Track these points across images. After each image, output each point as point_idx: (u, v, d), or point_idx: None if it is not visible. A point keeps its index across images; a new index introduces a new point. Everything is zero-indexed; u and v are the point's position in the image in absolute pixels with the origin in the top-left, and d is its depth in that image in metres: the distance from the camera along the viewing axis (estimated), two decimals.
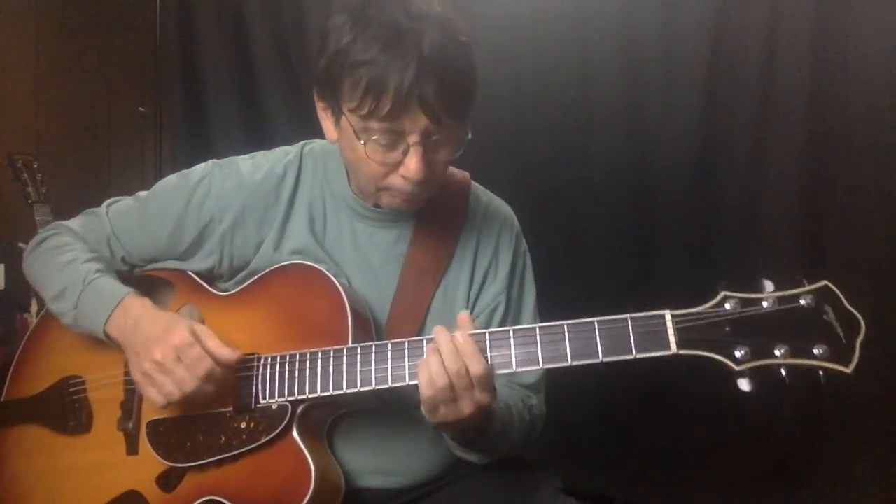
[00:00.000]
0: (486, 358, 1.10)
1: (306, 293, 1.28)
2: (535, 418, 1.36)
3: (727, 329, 1.03)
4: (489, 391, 1.11)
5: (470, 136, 1.21)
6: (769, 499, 2.52)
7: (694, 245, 2.66)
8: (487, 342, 1.12)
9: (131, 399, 1.35)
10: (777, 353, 1.01)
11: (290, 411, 1.22)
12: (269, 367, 1.24)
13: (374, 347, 1.18)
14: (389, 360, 1.17)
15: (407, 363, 1.16)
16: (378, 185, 1.24)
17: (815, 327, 1.01)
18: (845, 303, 1.01)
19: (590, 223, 2.77)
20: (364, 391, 1.17)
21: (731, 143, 2.60)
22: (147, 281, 1.41)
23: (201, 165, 1.42)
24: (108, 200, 1.47)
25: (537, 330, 1.11)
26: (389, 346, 1.17)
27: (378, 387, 1.17)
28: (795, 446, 2.56)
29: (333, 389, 1.19)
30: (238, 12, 3.16)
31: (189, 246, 1.38)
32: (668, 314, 1.06)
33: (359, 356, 1.18)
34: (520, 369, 1.11)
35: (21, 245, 1.49)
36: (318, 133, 1.32)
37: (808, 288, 1.03)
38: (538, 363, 1.10)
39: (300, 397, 1.21)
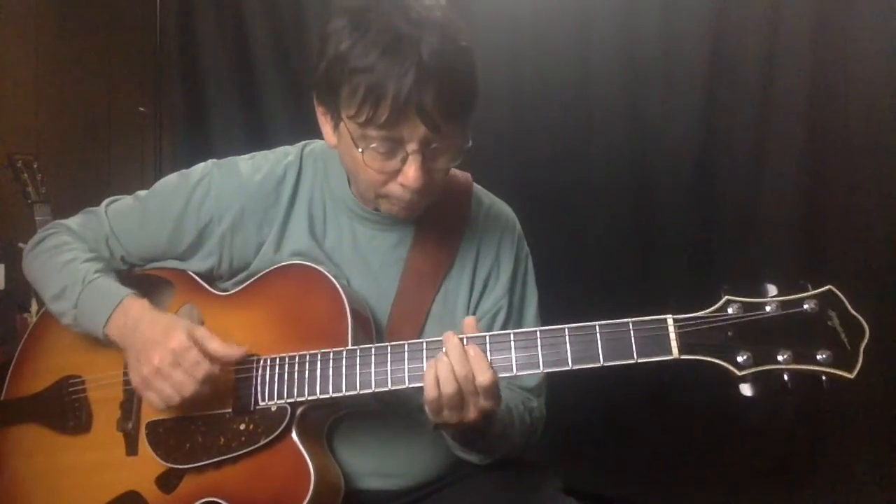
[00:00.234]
0: (488, 362, 1.10)
1: (306, 294, 1.28)
2: (536, 420, 1.36)
3: (729, 334, 1.03)
4: (494, 398, 1.11)
5: (471, 143, 1.20)
6: (769, 499, 2.52)
7: (694, 245, 2.66)
8: (488, 345, 1.12)
9: (131, 399, 1.35)
10: (780, 358, 1.01)
11: (289, 413, 1.21)
12: (268, 368, 1.24)
13: (373, 350, 1.18)
14: (389, 363, 1.16)
15: (407, 366, 1.15)
16: (377, 193, 1.24)
17: (819, 332, 1.00)
18: (849, 308, 1.01)
19: (590, 223, 2.76)
20: (363, 394, 1.17)
21: (731, 143, 2.59)
22: (146, 280, 1.41)
23: (201, 165, 1.41)
24: (108, 199, 1.47)
25: (538, 333, 1.11)
26: (389, 348, 1.17)
27: (378, 389, 1.16)
28: (795, 446, 2.56)
29: (333, 392, 1.19)
30: (238, 12, 3.16)
31: (188, 246, 1.38)
32: (670, 319, 1.05)
33: (358, 358, 1.18)
34: (520, 373, 1.11)
35: (21, 245, 1.49)
36: (318, 133, 1.31)
37: (811, 292, 1.02)
38: (539, 367, 1.10)
39: (299, 399, 1.21)
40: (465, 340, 1.12)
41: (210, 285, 1.40)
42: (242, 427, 1.24)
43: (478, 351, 1.10)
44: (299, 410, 1.22)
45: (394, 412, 1.30)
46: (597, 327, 1.08)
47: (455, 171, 1.38)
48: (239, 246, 1.36)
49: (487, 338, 1.13)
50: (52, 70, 3.22)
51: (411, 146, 1.15)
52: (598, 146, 2.73)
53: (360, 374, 1.18)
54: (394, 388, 1.16)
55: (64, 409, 1.40)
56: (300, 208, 1.36)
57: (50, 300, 1.38)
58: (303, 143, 1.43)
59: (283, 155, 1.40)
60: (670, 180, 2.66)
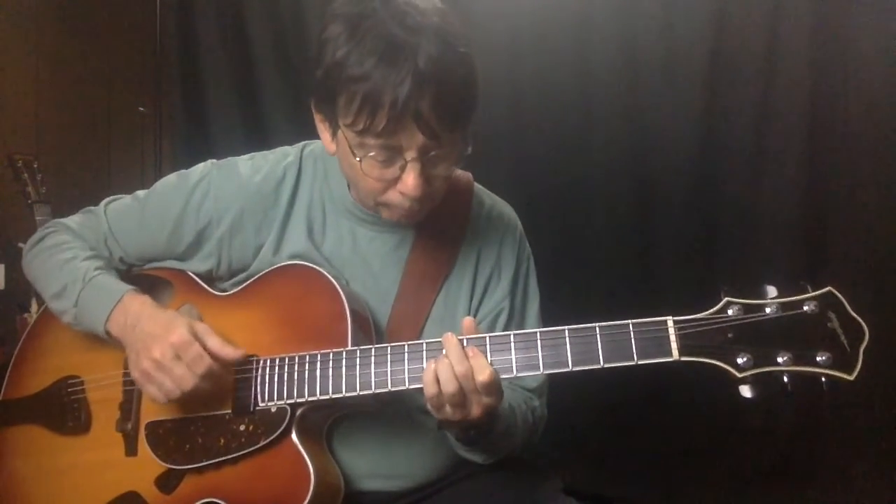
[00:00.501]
0: (489, 363, 1.10)
1: (306, 294, 1.28)
2: (538, 420, 1.36)
3: (729, 335, 1.03)
4: (496, 395, 1.11)
5: (471, 150, 1.19)
6: (769, 499, 2.53)
7: (693, 244, 2.66)
8: (488, 346, 1.12)
9: (130, 400, 1.35)
10: (780, 360, 1.00)
11: (289, 414, 1.21)
12: (268, 369, 1.24)
13: (373, 350, 1.18)
14: (389, 364, 1.16)
15: (407, 367, 1.15)
16: (376, 201, 1.23)
17: (819, 334, 1.00)
18: (849, 309, 1.00)
19: (589, 223, 2.76)
20: (363, 395, 1.17)
21: (731, 143, 2.60)
22: (146, 280, 1.41)
23: (200, 166, 1.41)
24: (107, 199, 1.46)
25: (538, 335, 1.11)
26: (389, 349, 1.17)
27: (378, 390, 1.16)
28: (795, 446, 2.56)
29: (333, 393, 1.19)
30: (238, 12, 3.16)
31: (187, 247, 1.38)
32: (670, 320, 1.05)
33: (358, 359, 1.18)
34: (520, 374, 1.11)
35: (21, 245, 1.48)
36: (317, 134, 1.30)
37: (811, 294, 1.02)
38: (539, 368, 1.10)
39: (299, 400, 1.21)
40: (464, 341, 1.12)
41: (209, 286, 1.39)
42: (242, 428, 1.24)
43: (476, 350, 1.10)
44: (299, 411, 1.22)
45: (394, 413, 1.30)
46: (597, 328, 1.08)
47: (456, 172, 1.37)
48: (238, 248, 1.36)
49: (487, 338, 1.13)
50: (52, 70, 3.23)
51: (410, 154, 1.14)
52: (598, 146, 2.73)
53: (360, 374, 1.17)
54: (394, 389, 1.16)
55: (63, 409, 1.40)
56: (299, 210, 1.35)
57: (50, 299, 1.38)
58: (302, 143, 1.42)
59: (283, 156, 1.39)
60: (670, 180, 2.67)
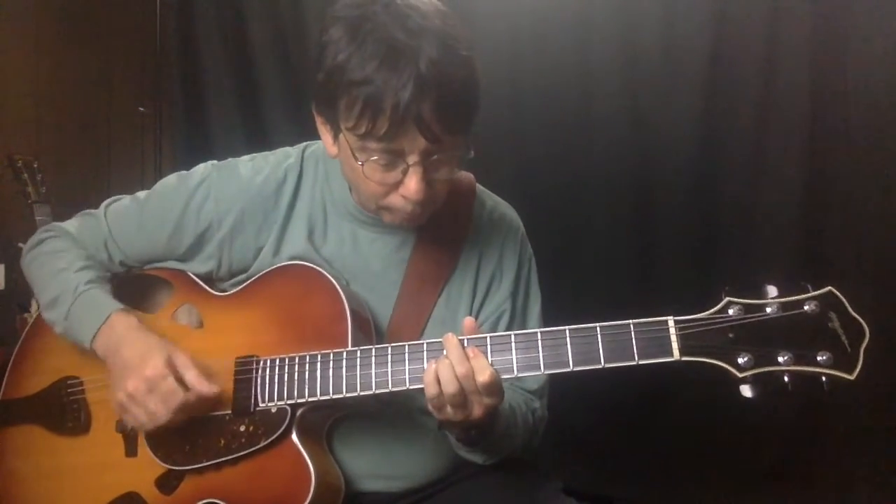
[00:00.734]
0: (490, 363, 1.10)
1: (306, 294, 1.28)
2: (538, 421, 1.36)
3: (730, 335, 1.03)
4: (497, 395, 1.11)
5: (473, 153, 1.18)
6: (769, 499, 2.53)
7: (694, 244, 2.67)
8: (489, 346, 1.12)
9: None
10: (780, 359, 1.00)
11: (289, 414, 1.21)
12: (268, 370, 1.24)
13: (373, 351, 1.18)
14: (389, 364, 1.16)
15: (407, 367, 1.15)
16: (378, 204, 1.22)
17: (820, 334, 1.00)
18: (850, 309, 1.00)
19: (590, 223, 2.77)
20: (364, 395, 1.17)
21: (731, 143, 2.60)
22: (146, 280, 1.41)
23: (200, 167, 1.40)
24: (107, 200, 1.46)
25: (539, 335, 1.11)
26: (390, 349, 1.17)
27: (378, 391, 1.16)
28: (795, 446, 2.56)
29: (333, 393, 1.18)
30: (238, 12, 3.16)
31: (187, 249, 1.37)
32: (671, 320, 1.05)
33: (359, 359, 1.18)
34: (521, 374, 1.11)
35: (21, 245, 1.48)
36: (318, 134, 1.29)
37: (812, 294, 1.02)
38: (540, 368, 1.10)
39: (300, 401, 1.21)
40: (465, 342, 1.12)
41: (209, 286, 1.39)
42: (242, 428, 1.24)
43: (477, 350, 1.10)
44: (299, 412, 1.22)
45: (394, 413, 1.30)
46: (598, 328, 1.08)
47: (459, 173, 1.37)
48: (238, 249, 1.35)
49: (488, 339, 1.13)
50: (52, 70, 3.22)
51: (412, 158, 1.13)
52: (598, 146, 2.73)
53: (360, 375, 1.17)
54: (394, 389, 1.15)
55: (62, 409, 1.40)
56: (300, 212, 1.35)
57: (43, 308, 1.38)
58: (304, 144, 1.42)
59: (284, 157, 1.39)
60: (670, 180, 2.67)
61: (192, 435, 1.26)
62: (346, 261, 1.34)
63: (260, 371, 1.24)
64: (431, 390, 1.10)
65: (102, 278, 1.39)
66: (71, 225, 1.45)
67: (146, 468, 1.30)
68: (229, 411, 1.25)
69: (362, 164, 1.15)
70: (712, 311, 1.04)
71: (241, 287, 1.35)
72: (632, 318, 1.07)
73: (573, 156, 2.75)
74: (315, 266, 1.29)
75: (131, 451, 1.33)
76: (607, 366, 1.07)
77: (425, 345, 1.16)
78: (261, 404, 1.23)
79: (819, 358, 0.99)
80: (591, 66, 2.73)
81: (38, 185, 2.53)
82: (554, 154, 2.77)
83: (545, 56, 2.75)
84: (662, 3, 2.63)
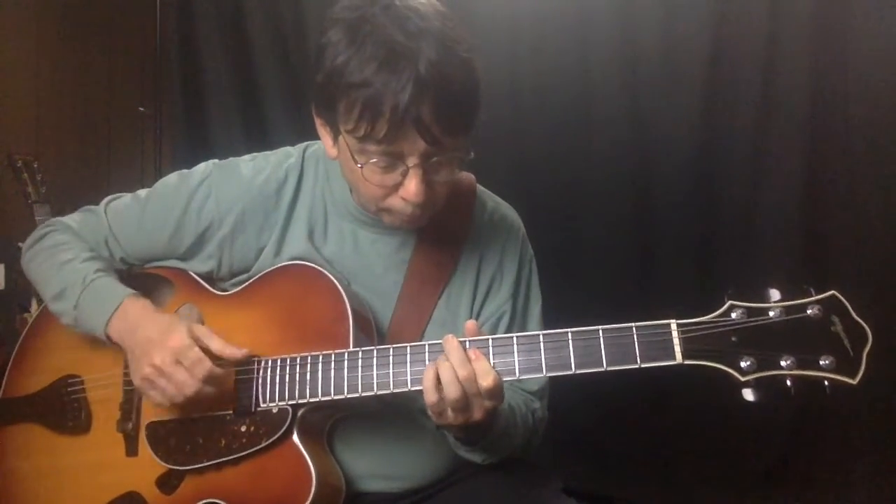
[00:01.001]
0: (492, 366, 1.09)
1: (307, 294, 1.27)
2: (538, 422, 1.36)
3: (733, 339, 1.02)
4: (498, 398, 1.11)
5: (472, 155, 1.17)
6: (769, 499, 2.53)
7: (694, 245, 2.67)
8: (490, 348, 1.12)
9: (130, 400, 1.35)
10: (783, 363, 1.00)
11: (290, 415, 1.21)
12: (269, 370, 1.24)
13: (375, 352, 1.18)
14: (391, 365, 1.16)
15: (409, 368, 1.15)
16: (378, 206, 1.22)
17: (822, 338, 1.00)
18: (853, 313, 1.00)
19: (590, 224, 2.77)
20: (365, 396, 1.17)
21: (731, 143, 2.60)
22: (146, 279, 1.41)
23: (201, 166, 1.40)
24: (108, 198, 1.45)
25: (541, 337, 1.10)
26: (391, 350, 1.17)
27: (379, 392, 1.16)
28: (795, 446, 2.56)
29: (335, 394, 1.18)
30: (238, 12, 3.17)
31: (188, 248, 1.37)
32: (673, 323, 1.05)
33: (360, 360, 1.18)
34: (523, 377, 1.11)
35: (21, 244, 1.48)
36: (318, 134, 1.29)
37: (815, 297, 1.01)
38: (541, 370, 1.09)
39: (301, 401, 1.21)
40: (467, 343, 1.12)
41: (210, 285, 1.39)
42: (244, 429, 1.24)
43: (479, 353, 1.10)
44: (300, 412, 1.22)
45: (395, 414, 1.30)
46: (600, 331, 1.08)
47: (460, 174, 1.37)
48: (239, 249, 1.35)
49: (490, 341, 1.12)
50: (52, 70, 3.22)
51: (412, 160, 1.13)
52: (598, 146, 2.74)
53: (361, 375, 1.17)
54: (396, 390, 1.15)
55: (63, 409, 1.40)
56: (301, 212, 1.35)
57: (50, 300, 1.37)
58: (305, 144, 1.41)
59: (285, 157, 1.38)
60: (670, 180, 2.67)
61: (193, 435, 1.26)
62: (346, 261, 1.34)
63: (261, 371, 1.24)
64: (431, 397, 1.09)
65: (109, 268, 1.39)
66: (72, 220, 1.45)
67: (147, 468, 1.30)
68: (230, 411, 1.25)
69: (362, 167, 1.15)
70: (715, 314, 1.04)
71: (242, 287, 1.35)
72: (631, 318, 1.07)
73: (573, 156, 2.75)
74: (316, 266, 1.29)
75: (132, 450, 1.33)
76: (610, 369, 1.06)
77: (427, 346, 1.15)
78: (262, 404, 1.23)
79: (822, 362, 0.99)
80: (591, 66, 2.73)
81: (38, 185, 2.53)
82: (554, 154, 2.77)
83: (545, 56, 2.75)
84: (662, 3, 2.63)
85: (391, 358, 1.16)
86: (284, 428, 1.21)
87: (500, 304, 1.37)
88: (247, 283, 1.35)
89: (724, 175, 2.62)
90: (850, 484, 2.44)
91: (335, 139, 1.20)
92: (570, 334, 1.09)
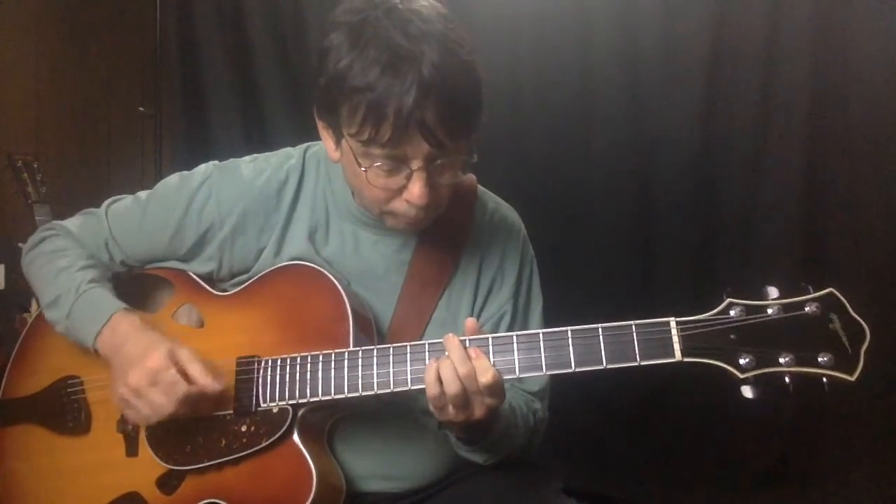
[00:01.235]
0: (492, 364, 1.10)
1: (307, 294, 1.27)
2: (539, 422, 1.36)
3: (732, 336, 1.03)
4: (499, 396, 1.11)
5: (476, 158, 1.18)
6: (769, 499, 2.53)
7: (694, 244, 2.67)
8: (490, 347, 1.12)
9: None
10: (781, 360, 1.00)
11: (290, 415, 1.21)
12: (269, 370, 1.24)
13: (375, 351, 1.18)
14: (391, 365, 1.16)
15: (409, 367, 1.15)
16: (382, 209, 1.22)
17: (821, 335, 1.00)
18: (851, 311, 1.01)
19: (590, 223, 2.77)
20: (366, 395, 1.17)
21: (731, 144, 2.60)
22: (146, 280, 1.41)
23: (202, 167, 1.40)
24: (108, 200, 1.45)
25: (541, 336, 1.11)
26: (391, 350, 1.17)
27: (380, 391, 1.16)
28: (795, 446, 2.56)
29: (335, 393, 1.18)
30: (238, 13, 3.17)
31: (189, 250, 1.37)
32: (673, 321, 1.05)
33: (360, 360, 1.18)
34: (523, 375, 1.11)
35: (21, 245, 1.48)
36: (318, 135, 1.29)
37: (813, 295, 1.02)
38: (541, 369, 1.10)
39: (301, 401, 1.21)
40: (467, 342, 1.12)
41: (210, 286, 1.39)
42: (244, 429, 1.24)
43: (479, 351, 1.10)
44: (301, 412, 1.22)
45: (395, 414, 1.30)
46: (599, 329, 1.08)
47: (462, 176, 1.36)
48: (239, 250, 1.35)
49: (490, 339, 1.12)
50: (52, 70, 3.22)
51: (415, 163, 1.13)
52: (598, 146, 2.74)
53: (362, 375, 1.17)
54: (396, 390, 1.15)
55: (63, 409, 1.40)
56: (301, 213, 1.34)
57: (45, 307, 1.37)
58: (305, 145, 1.41)
59: (286, 158, 1.38)
60: (670, 180, 2.68)
61: (194, 435, 1.26)
62: (347, 262, 1.34)
63: (261, 371, 1.24)
64: (433, 390, 1.10)
65: (104, 277, 1.38)
66: (72, 223, 1.45)
67: (147, 468, 1.30)
68: (231, 411, 1.25)
69: (365, 170, 1.15)
70: (714, 312, 1.04)
71: (242, 287, 1.35)
72: (631, 317, 1.07)
73: (573, 156, 2.75)
74: (316, 266, 1.29)
75: (132, 450, 1.33)
76: (609, 367, 1.07)
77: (427, 345, 1.15)
78: (262, 404, 1.23)
79: (820, 359, 0.99)
80: (591, 65, 2.73)
81: (38, 185, 2.53)
82: (554, 154, 2.77)
83: (545, 56, 2.76)
84: (662, 3, 2.63)
85: (391, 357, 1.17)
86: (285, 428, 1.21)
87: (501, 304, 1.37)
88: (246, 284, 1.35)
89: (724, 175, 2.63)
90: (850, 483, 2.44)
91: (338, 142, 1.20)
92: (569, 332, 1.09)
